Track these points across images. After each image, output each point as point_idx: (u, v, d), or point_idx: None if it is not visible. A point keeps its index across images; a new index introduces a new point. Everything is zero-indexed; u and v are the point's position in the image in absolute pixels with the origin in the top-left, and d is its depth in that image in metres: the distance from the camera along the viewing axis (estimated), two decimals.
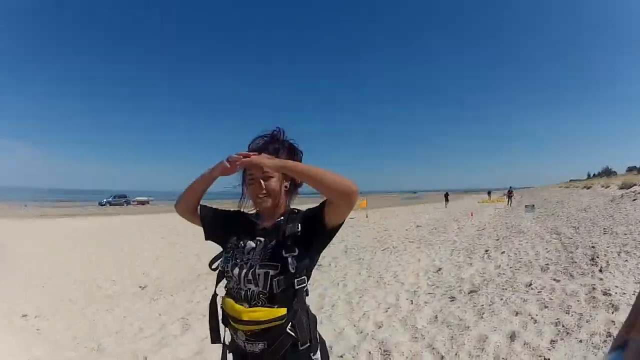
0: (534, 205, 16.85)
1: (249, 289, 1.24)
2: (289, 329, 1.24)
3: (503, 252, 6.56)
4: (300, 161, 1.36)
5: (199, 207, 1.45)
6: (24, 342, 3.60)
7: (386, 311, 3.94)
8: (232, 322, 1.27)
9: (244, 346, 1.26)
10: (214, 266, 1.37)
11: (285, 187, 1.36)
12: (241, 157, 1.27)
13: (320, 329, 3.33)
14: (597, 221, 10.07)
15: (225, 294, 1.32)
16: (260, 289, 1.22)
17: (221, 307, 1.32)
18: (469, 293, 4.26)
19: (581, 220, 10.99)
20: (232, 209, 1.48)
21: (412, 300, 4.23)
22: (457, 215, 18.51)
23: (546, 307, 3.42)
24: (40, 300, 5.11)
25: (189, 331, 3.72)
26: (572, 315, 3.11)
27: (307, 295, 1.33)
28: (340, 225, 1.29)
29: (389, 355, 2.89)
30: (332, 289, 5.03)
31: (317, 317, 4.09)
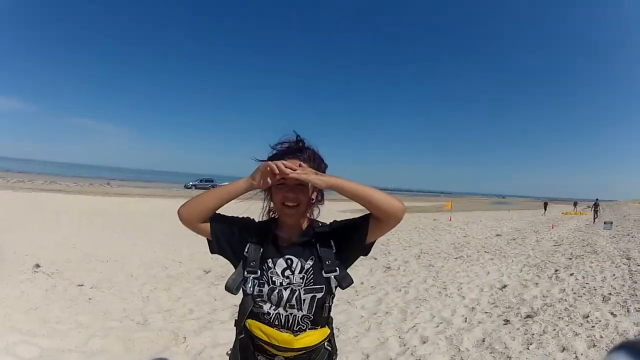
0: (612, 222, 15.89)
1: (291, 314, 1.17)
2: (327, 344, 1.25)
3: (572, 274, 6.46)
4: (325, 169, 1.26)
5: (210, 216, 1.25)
6: (73, 310, 3.68)
7: (437, 326, 3.99)
8: (273, 350, 1.18)
9: None
10: (244, 289, 1.20)
11: (312, 199, 1.26)
12: (281, 167, 1.11)
13: (366, 335, 3.75)
14: None
15: (253, 318, 1.20)
16: (305, 313, 1.18)
17: (250, 334, 1.21)
18: (525, 317, 4.30)
19: None
20: (240, 216, 1.33)
21: (466, 318, 4.27)
22: (538, 226, 17.79)
23: (594, 345, 3.57)
24: (101, 274, 5.14)
25: None
26: None
27: None
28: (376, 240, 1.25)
29: None
30: (392, 295, 5.11)
31: (367, 323, 4.16)
